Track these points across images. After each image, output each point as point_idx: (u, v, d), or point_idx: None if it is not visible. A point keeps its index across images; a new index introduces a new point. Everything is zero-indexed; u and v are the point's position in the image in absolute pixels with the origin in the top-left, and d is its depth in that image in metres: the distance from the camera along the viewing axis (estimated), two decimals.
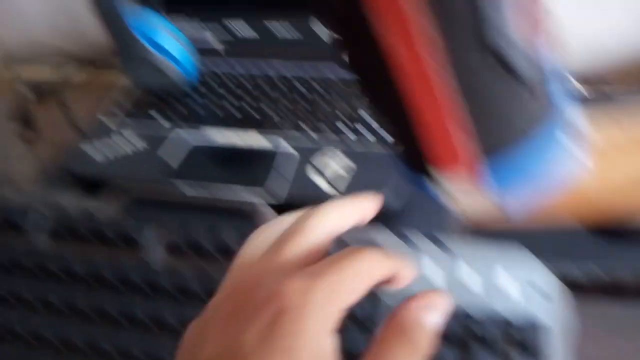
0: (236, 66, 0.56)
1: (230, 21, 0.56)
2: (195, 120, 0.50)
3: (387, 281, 0.22)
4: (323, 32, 0.53)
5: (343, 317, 0.20)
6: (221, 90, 0.53)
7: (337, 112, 0.49)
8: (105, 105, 0.54)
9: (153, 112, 0.51)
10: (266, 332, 0.19)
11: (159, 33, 0.49)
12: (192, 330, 0.22)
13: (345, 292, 0.20)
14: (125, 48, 0.47)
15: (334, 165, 0.44)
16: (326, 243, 0.23)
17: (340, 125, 0.47)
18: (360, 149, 0.45)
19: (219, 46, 0.57)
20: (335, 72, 0.53)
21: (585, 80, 0.51)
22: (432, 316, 0.21)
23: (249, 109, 0.51)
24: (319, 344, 0.19)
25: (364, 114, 0.48)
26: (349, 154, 0.44)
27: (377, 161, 0.44)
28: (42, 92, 0.60)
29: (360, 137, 0.46)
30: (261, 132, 0.48)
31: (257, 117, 0.50)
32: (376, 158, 0.44)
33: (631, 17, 0.52)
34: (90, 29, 0.69)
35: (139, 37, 0.46)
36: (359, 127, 0.47)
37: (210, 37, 0.57)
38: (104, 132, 0.50)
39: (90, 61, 0.65)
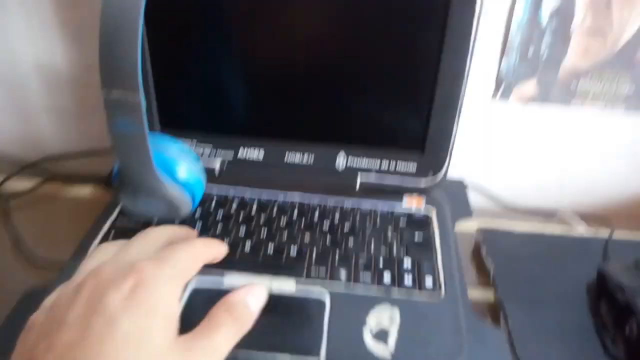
0: (247, 192, 0.51)
1: (245, 149, 0.52)
2: None
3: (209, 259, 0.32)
4: (343, 164, 0.51)
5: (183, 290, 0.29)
6: (230, 222, 0.47)
7: (370, 251, 0.45)
8: (93, 232, 0.46)
9: None
10: (128, 296, 0.25)
11: (175, 159, 0.43)
12: (38, 318, 0.26)
13: (185, 269, 0.29)
14: (136, 176, 0.41)
15: (375, 316, 0.39)
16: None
17: (375, 268, 0.43)
18: (402, 297, 0.41)
19: (224, 170, 0.52)
20: (361, 206, 0.50)
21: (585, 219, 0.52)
22: (253, 300, 0.30)
23: (265, 245, 0.45)
24: (170, 308, 0.26)
25: (401, 254, 0.44)
26: (390, 302, 0.40)
27: (422, 310, 0.39)
28: None
29: (400, 283, 0.42)
30: (283, 274, 0.42)
31: (277, 255, 0.44)
32: (421, 307, 0.40)
33: (630, 164, 0.56)
34: (46, 137, 0.64)
35: (157, 165, 0.40)
36: (396, 270, 0.43)
37: (219, 162, 0.52)
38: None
39: (43, 170, 0.59)
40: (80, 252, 0.44)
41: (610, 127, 0.55)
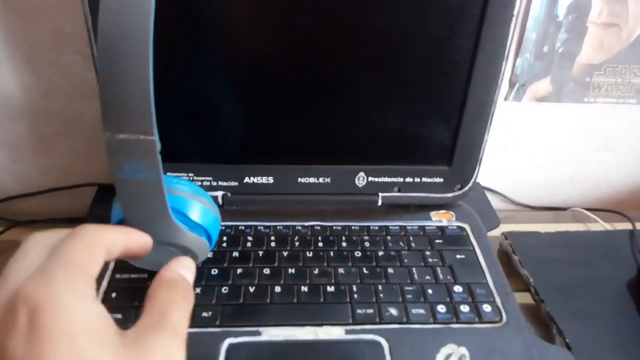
0: (259, 223, 0.45)
1: (252, 178, 0.45)
2: (231, 315, 0.37)
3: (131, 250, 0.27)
4: (363, 183, 0.46)
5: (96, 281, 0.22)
6: (250, 262, 0.41)
7: (414, 279, 0.40)
8: None
9: None
10: (31, 335, 0.19)
11: (188, 200, 0.37)
12: None
13: (81, 261, 0.22)
14: (146, 226, 0.34)
15: (442, 355, 0.35)
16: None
17: (426, 300, 0.39)
18: (462, 328, 0.37)
19: (222, 199, 0.46)
20: (388, 226, 0.45)
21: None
22: (188, 272, 0.28)
23: (298, 286, 0.39)
24: (88, 318, 0.20)
25: (449, 279, 0.41)
26: (454, 340, 0.36)
27: (489, 341, 0.36)
28: None
29: (457, 315, 0.38)
30: (326, 321, 0.37)
31: (313, 296, 0.38)
32: (486, 337, 0.36)
33: (636, 156, 0.56)
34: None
35: (171, 212, 0.34)
36: (449, 299, 0.39)
37: (221, 194, 0.46)
38: None
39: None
40: None
41: (622, 121, 0.54)
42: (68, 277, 0.21)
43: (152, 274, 0.40)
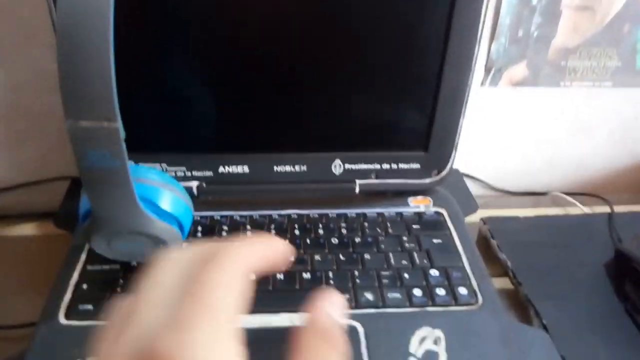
0: (236, 212, 0.45)
1: (226, 167, 0.45)
2: None
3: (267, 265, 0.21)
4: (340, 170, 0.46)
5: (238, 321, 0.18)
6: None
7: (391, 264, 0.40)
8: (59, 287, 0.38)
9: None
10: None
11: (157, 188, 0.36)
12: None
13: (224, 307, 0.18)
14: (114, 216, 0.33)
15: (418, 340, 0.35)
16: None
17: (402, 284, 0.39)
18: (438, 311, 0.37)
19: (197, 189, 0.45)
20: (366, 212, 0.45)
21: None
22: (338, 313, 0.21)
23: (273, 275, 0.38)
24: None
25: (425, 263, 0.40)
26: (429, 323, 0.36)
27: (464, 323, 0.36)
28: None
29: (433, 299, 0.38)
30: (302, 308, 0.36)
31: (289, 284, 0.38)
32: (462, 319, 0.36)
33: (620, 139, 0.56)
34: None
35: (140, 201, 0.33)
36: (425, 283, 0.39)
37: (196, 183, 0.45)
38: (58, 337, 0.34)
39: None
40: (49, 314, 0.36)
41: (598, 103, 0.55)
42: (211, 329, 0.18)
43: (124, 265, 0.39)
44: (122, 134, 0.29)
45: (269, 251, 0.22)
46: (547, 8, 0.47)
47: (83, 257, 0.40)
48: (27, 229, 0.49)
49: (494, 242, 0.47)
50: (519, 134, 0.56)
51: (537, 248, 0.47)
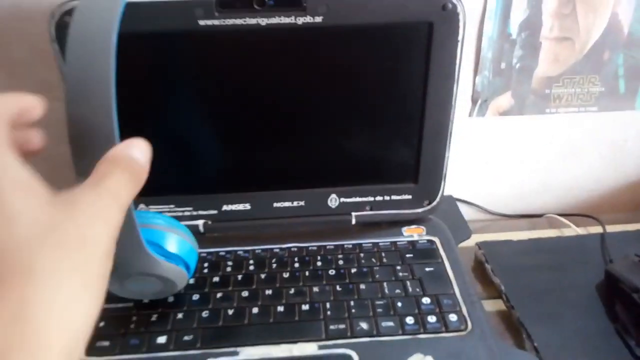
0: (239, 248, 0.47)
1: (229, 206, 0.48)
2: (211, 337, 0.39)
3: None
4: (336, 204, 0.49)
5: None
6: (229, 286, 0.43)
7: (385, 294, 0.42)
8: None
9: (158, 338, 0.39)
10: None
11: (163, 232, 0.39)
12: None
13: None
14: (123, 260, 0.36)
15: None
16: None
17: (396, 313, 0.41)
18: (430, 338, 0.39)
19: (203, 227, 0.48)
20: (362, 244, 0.48)
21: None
22: (138, 152, 0.26)
23: (274, 306, 0.41)
24: (8, 172, 0.21)
25: (418, 292, 0.42)
26: (421, 349, 0.38)
27: (454, 349, 0.38)
28: None
29: (425, 326, 0.40)
30: (301, 338, 0.39)
31: (289, 315, 0.41)
32: (452, 345, 0.38)
33: (609, 161, 0.58)
34: None
35: (147, 245, 0.36)
36: (417, 311, 0.41)
37: (202, 222, 0.48)
38: None
39: None
40: None
41: (586, 128, 0.56)
42: None
43: (137, 303, 0.42)
44: None
45: (21, 102, 0.27)
46: (526, 41, 0.50)
47: None
48: None
49: (488, 267, 0.49)
50: (511, 160, 0.58)
51: (530, 271, 0.48)
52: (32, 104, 0.28)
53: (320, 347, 0.38)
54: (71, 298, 0.20)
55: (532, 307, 0.45)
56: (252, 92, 0.44)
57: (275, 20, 0.40)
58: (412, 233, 0.49)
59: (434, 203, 0.48)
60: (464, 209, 0.58)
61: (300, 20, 0.40)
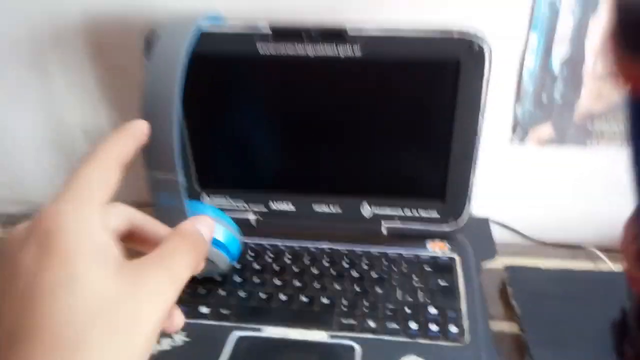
0: (280, 242, 0.55)
1: (275, 203, 0.56)
2: (243, 314, 0.47)
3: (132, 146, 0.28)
4: (369, 213, 0.55)
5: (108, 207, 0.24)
6: (265, 273, 0.51)
7: (397, 299, 0.47)
8: None
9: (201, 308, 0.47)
10: (38, 254, 0.21)
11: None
12: None
13: (90, 187, 0.24)
14: None
15: None
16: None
17: (402, 317, 0.46)
18: (428, 343, 0.43)
19: (255, 222, 0.57)
20: (388, 252, 0.53)
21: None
22: (205, 229, 0.28)
23: (298, 296, 0.48)
24: (93, 238, 0.22)
25: (426, 301, 0.47)
26: (416, 351, 0.42)
27: (447, 357, 0.42)
28: None
29: (425, 331, 0.44)
30: (314, 326, 0.45)
31: (309, 305, 0.47)
32: (445, 353, 0.42)
33: None
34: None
35: None
36: (422, 317, 0.45)
37: (253, 215, 0.56)
38: None
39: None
40: None
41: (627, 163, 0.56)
42: (75, 195, 0.23)
43: (193, 278, 0.51)
44: (182, 184, 0.41)
45: (129, 137, 0.28)
46: (569, 77, 0.51)
47: None
48: None
49: (509, 289, 0.51)
50: (553, 189, 0.59)
51: (551, 299, 0.50)
52: (141, 132, 0.30)
53: (331, 337, 0.44)
54: None
55: (542, 332, 0.47)
56: (302, 109, 0.51)
57: (321, 52, 0.46)
58: (436, 248, 0.53)
59: (461, 220, 0.52)
60: (502, 233, 0.60)
61: (342, 53, 0.46)
